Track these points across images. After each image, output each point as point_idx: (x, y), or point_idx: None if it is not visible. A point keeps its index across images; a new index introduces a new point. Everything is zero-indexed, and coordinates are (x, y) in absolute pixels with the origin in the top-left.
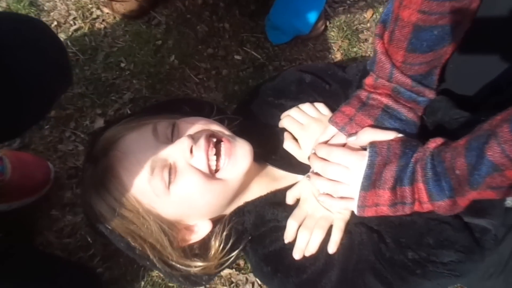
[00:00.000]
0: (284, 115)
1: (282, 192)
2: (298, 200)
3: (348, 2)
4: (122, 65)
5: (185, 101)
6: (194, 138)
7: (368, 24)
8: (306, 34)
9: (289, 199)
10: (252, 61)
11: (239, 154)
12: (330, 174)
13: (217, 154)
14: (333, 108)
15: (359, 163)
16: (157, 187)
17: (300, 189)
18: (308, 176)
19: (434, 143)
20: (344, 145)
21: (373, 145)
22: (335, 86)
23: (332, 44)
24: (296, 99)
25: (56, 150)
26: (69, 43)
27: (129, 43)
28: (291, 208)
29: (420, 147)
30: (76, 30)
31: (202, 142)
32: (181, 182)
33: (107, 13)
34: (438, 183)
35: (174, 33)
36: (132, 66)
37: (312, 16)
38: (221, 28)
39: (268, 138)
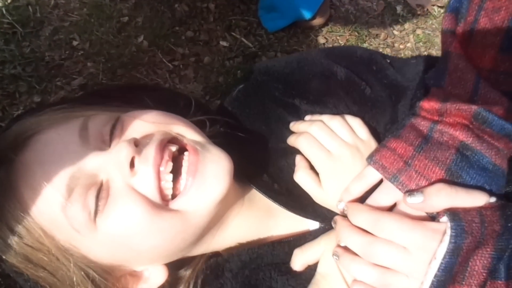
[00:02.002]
0: (298, 128)
1: (283, 246)
2: (309, 267)
3: None
4: (75, 43)
5: (148, 90)
6: (139, 144)
7: (380, 18)
8: (307, 20)
9: (297, 264)
10: (242, 49)
11: (209, 173)
12: (377, 258)
13: (177, 171)
14: (372, 126)
15: (429, 244)
16: (75, 219)
17: (316, 253)
18: (336, 255)
19: None
20: (392, 206)
21: (456, 217)
22: (380, 92)
23: (338, 37)
24: (317, 103)
25: None
26: (4, 11)
27: (85, 17)
28: (299, 279)
29: None
30: None
31: (150, 151)
32: (114, 213)
33: None
34: None
35: (146, 9)
36: (87, 45)
37: None
38: (204, 9)
39: (267, 155)
